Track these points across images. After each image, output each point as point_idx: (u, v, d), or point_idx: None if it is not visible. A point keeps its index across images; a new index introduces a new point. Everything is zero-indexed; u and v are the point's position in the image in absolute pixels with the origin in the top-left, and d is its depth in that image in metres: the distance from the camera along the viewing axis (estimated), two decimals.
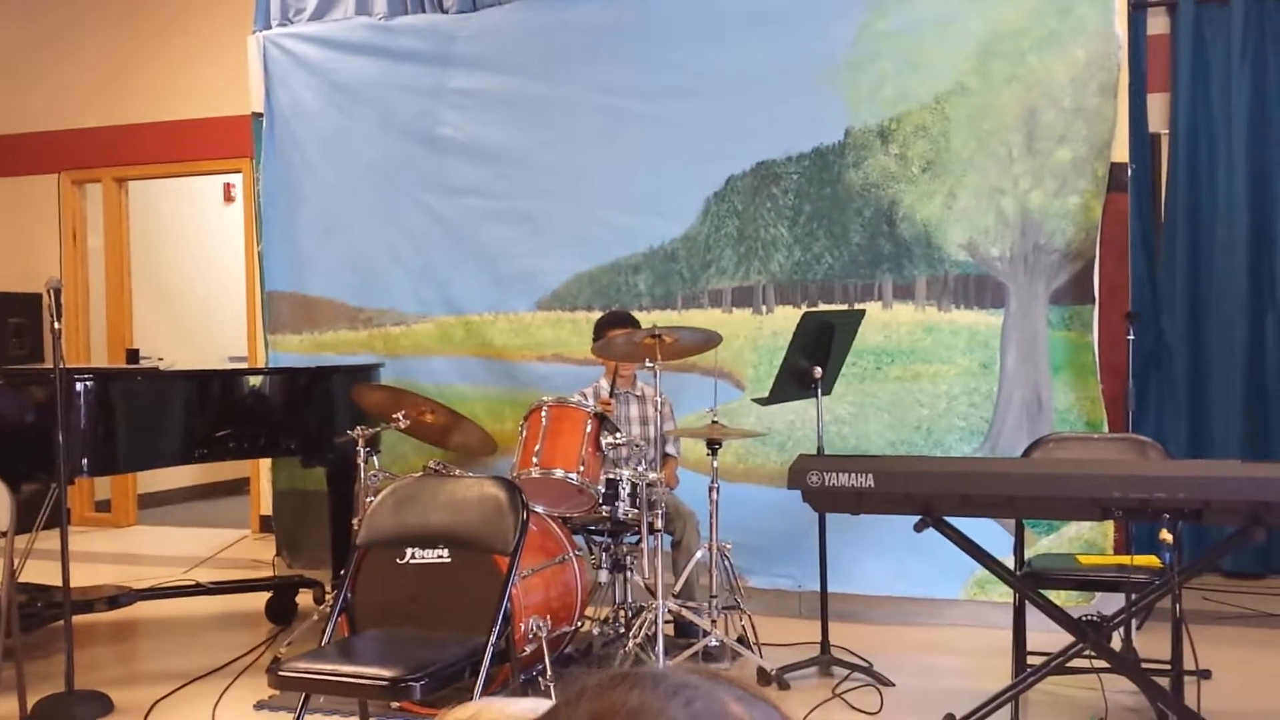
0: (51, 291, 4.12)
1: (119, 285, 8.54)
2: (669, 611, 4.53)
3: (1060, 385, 5.28)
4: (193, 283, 9.36)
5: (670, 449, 5.28)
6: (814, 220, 5.65)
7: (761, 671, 4.51)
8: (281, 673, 3.15)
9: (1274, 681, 4.54)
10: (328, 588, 5.54)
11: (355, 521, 4.71)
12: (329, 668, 3.14)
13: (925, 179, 5.46)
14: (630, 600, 4.77)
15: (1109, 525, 5.06)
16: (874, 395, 5.53)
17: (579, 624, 4.56)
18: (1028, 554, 4.35)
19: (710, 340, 4.75)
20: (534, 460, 4.58)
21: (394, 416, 4.87)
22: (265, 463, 7.44)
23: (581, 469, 4.56)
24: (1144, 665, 3.78)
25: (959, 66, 5.39)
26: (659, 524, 4.59)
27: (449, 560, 4.03)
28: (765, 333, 5.69)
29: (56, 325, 4.10)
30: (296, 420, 5.40)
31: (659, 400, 4.64)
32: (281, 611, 5.58)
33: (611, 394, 5.13)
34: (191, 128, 8.11)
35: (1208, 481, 3.27)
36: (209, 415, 5.05)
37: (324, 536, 5.58)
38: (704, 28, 5.77)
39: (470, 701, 1.08)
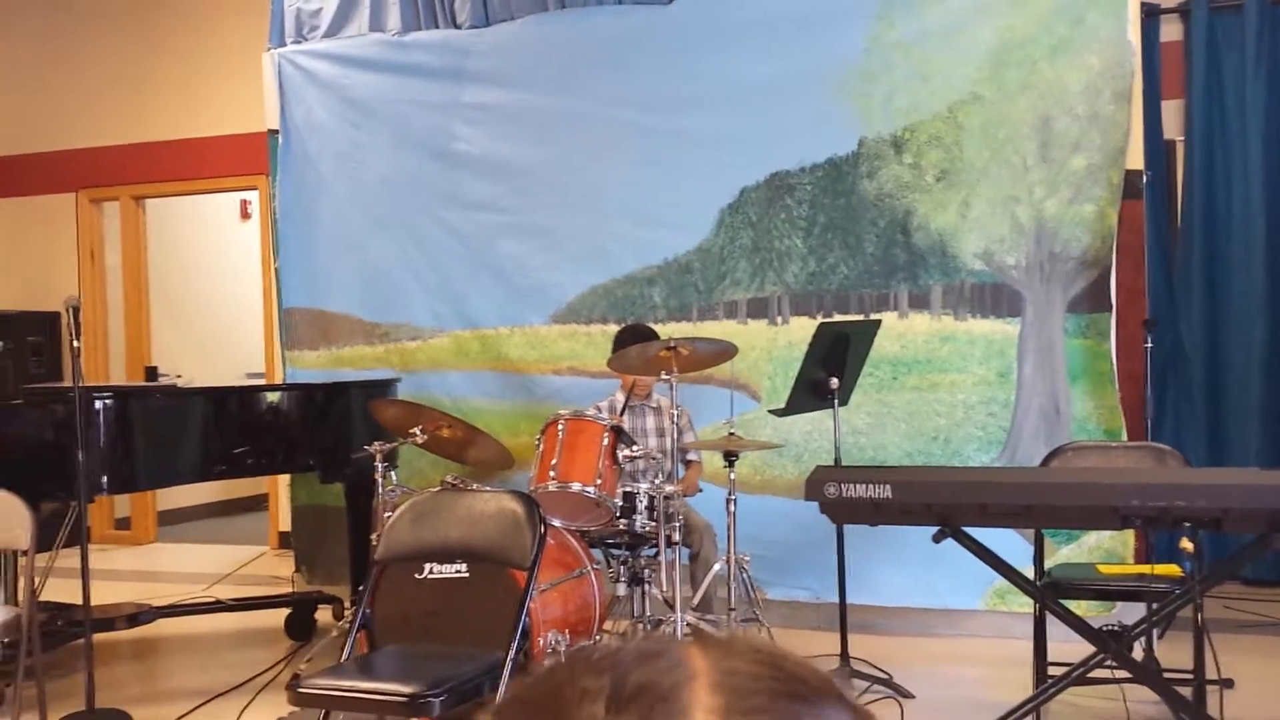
0: (70, 310, 4.15)
1: (137, 303, 8.58)
2: (687, 624, 4.52)
3: (1078, 394, 5.26)
4: (210, 300, 9.39)
5: (693, 455, 5.28)
6: (828, 231, 5.65)
7: None
8: (301, 689, 3.16)
9: None
10: (347, 603, 5.55)
11: (373, 537, 4.71)
12: (348, 684, 3.15)
13: (939, 188, 5.45)
14: (649, 613, 4.76)
15: (1129, 534, 5.03)
16: (891, 405, 5.52)
17: (597, 638, 4.56)
18: (1047, 564, 4.32)
19: (726, 352, 4.74)
20: (551, 474, 4.58)
21: (411, 431, 4.87)
22: (284, 479, 7.46)
23: (598, 482, 4.56)
24: (1166, 675, 3.76)
25: (971, 76, 5.38)
26: (677, 537, 4.58)
27: (467, 575, 4.04)
28: (781, 344, 5.68)
29: (75, 343, 4.12)
30: (314, 436, 5.42)
31: (675, 412, 4.64)
32: (301, 628, 5.59)
33: (625, 406, 5.13)
34: (208, 145, 8.15)
35: (1227, 489, 3.26)
36: (227, 432, 5.07)
37: (342, 552, 5.59)
38: (716, 40, 5.78)
39: None
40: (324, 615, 5.66)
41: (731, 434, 4.65)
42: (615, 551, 4.82)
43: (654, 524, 4.58)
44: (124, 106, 8.45)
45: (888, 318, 5.43)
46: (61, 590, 5.05)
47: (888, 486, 3.43)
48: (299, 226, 6.63)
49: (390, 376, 6.12)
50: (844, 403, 4.86)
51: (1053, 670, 3.96)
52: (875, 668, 4.67)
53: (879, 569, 5.26)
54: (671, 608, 4.49)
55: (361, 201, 6.48)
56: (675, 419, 4.68)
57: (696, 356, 4.65)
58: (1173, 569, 4.03)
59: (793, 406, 4.83)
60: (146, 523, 8.60)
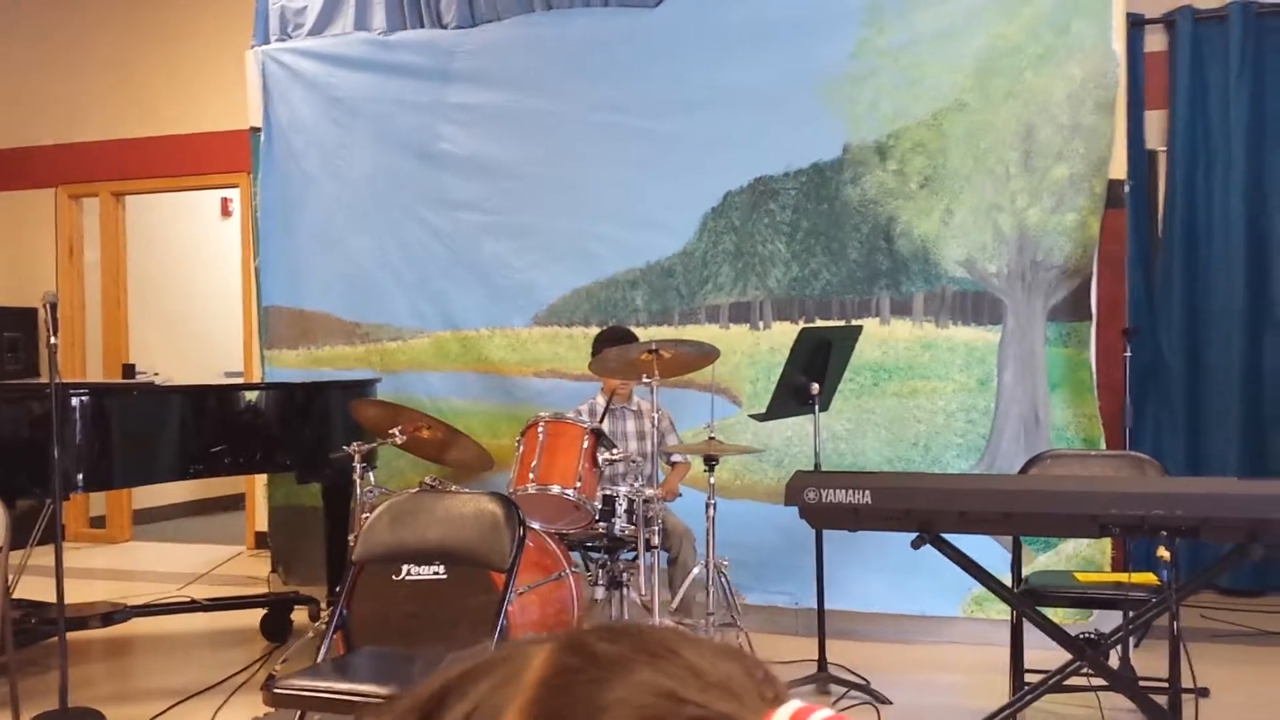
0: (48, 306, 4.12)
1: (115, 300, 8.53)
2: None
3: (1057, 402, 5.27)
4: (189, 297, 9.35)
5: (679, 457, 5.27)
6: (811, 236, 5.65)
7: None
8: (277, 690, 3.13)
9: (1272, 699, 4.53)
10: (323, 604, 5.52)
11: (351, 538, 4.69)
12: (324, 685, 3.13)
13: (923, 195, 5.46)
14: (627, 617, 4.75)
15: (1106, 542, 5.04)
16: (871, 411, 5.52)
17: None
18: (1025, 571, 4.33)
19: (707, 355, 4.74)
20: (530, 476, 4.57)
21: (390, 432, 4.85)
22: (261, 478, 7.42)
23: (578, 485, 4.55)
24: (1142, 683, 3.77)
25: (957, 83, 5.39)
26: (656, 540, 4.57)
27: (445, 577, 4.02)
28: (763, 348, 5.68)
29: (52, 340, 4.09)
30: (292, 436, 5.39)
31: (656, 415, 4.63)
32: (277, 628, 5.56)
33: (607, 410, 5.11)
34: (189, 142, 8.11)
35: (1205, 499, 3.27)
36: (205, 431, 5.03)
37: (320, 553, 5.56)
38: (702, 44, 5.78)
39: None
40: (300, 616, 5.63)
41: (712, 438, 4.65)
42: (594, 555, 4.81)
43: (633, 527, 4.57)
44: (105, 102, 8.40)
45: (869, 324, 5.44)
46: (35, 588, 5.01)
47: (867, 492, 3.43)
48: (280, 225, 6.60)
49: (370, 377, 6.10)
50: (825, 408, 4.86)
51: (1030, 677, 3.96)
52: (853, 673, 4.67)
53: (858, 574, 5.26)
54: (650, 612, 4.48)
55: (344, 201, 6.46)
56: (656, 422, 4.67)
57: (678, 360, 4.65)
58: (1149, 577, 4.05)
59: (774, 411, 4.83)
60: (122, 521, 8.54)
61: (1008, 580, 4.06)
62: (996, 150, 5.35)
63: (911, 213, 5.48)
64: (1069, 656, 3.64)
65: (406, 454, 5.33)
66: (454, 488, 4.48)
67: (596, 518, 4.63)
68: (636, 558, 4.61)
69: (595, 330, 5.56)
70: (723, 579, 4.71)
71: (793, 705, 0.60)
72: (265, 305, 6.70)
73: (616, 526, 4.61)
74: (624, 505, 4.62)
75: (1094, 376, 5.20)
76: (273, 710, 4.03)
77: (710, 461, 4.62)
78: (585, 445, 4.61)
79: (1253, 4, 6.02)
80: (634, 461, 4.75)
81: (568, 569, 4.52)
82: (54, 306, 4.13)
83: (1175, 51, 6.17)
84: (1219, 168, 6.11)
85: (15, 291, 8.39)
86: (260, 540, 7.60)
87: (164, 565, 7.44)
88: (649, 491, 4.56)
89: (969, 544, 3.66)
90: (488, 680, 0.61)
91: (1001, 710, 3.74)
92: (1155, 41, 6.24)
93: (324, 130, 6.49)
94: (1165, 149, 6.24)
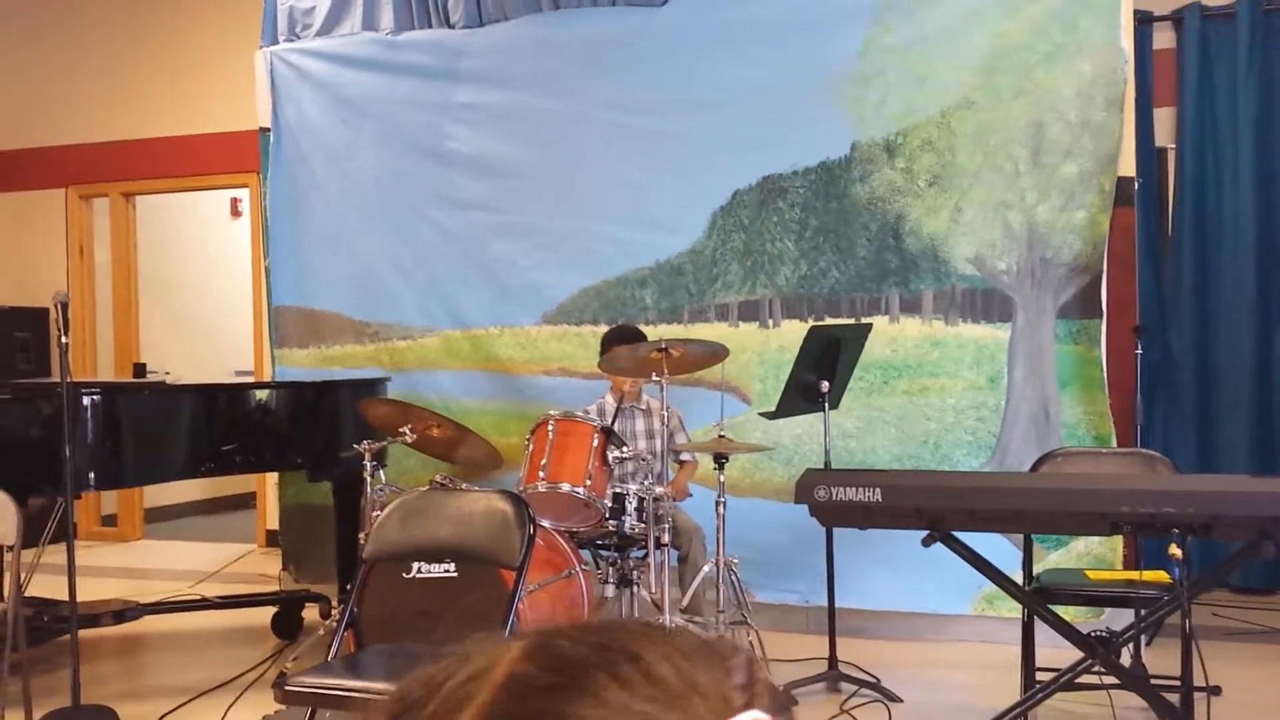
0: (59, 305, 4.13)
1: (126, 299, 8.55)
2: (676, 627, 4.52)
3: (1068, 399, 5.27)
4: (200, 297, 9.37)
5: (687, 455, 5.27)
6: (820, 234, 5.65)
7: None
8: (288, 687, 3.14)
9: None
10: (334, 602, 5.53)
11: (362, 536, 4.70)
12: (335, 682, 3.13)
13: (931, 193, 5.46)
14: (637, 615, 4.76)
15: (1118, 540, 5.03)
16: (881, 409, 5.52)
17: None
18: (1036, 569, 4.33)
19: (717, 353, 4.74)
20: (540, 474, 4.58)
21: (400, 431, 4.86)
22: (272, 477, 7.43)
23: (588, 483, 4.56)
24: (1154, 681, 3.77)
25: (965, 81, 5.39)
26: (666, 538, 4.57)
27: (455, 575, 4.02)
28: (772, 346, 5.68)
29: (64, 339, 4.10)
30: (303, 434, 5.40)
31: (665, 414, 4.63)
32: (288, 626, 5.57)
33: (618, 409, 5.11)
34: (199, 142, 8.13)
35: (1216, 496, 3.26)
36: (216, 429, 5.05)
37: (330, 551, 5.57)
38: (709, 42, 5.78)
39: None
40: (311, 614, 5.64)
41: (721, 436, 4.65)
42: (604, 553, 4.81)
43: (643, 525, 4.57)
44: (115, 103, 8.42)
45: (879, 322, 5.43)
46: (48, 586, 5.03)
47: (878, 490, 3.43)
48: (289, 224, 6.61)
49: (380, 375, 6.11)
50: (834, 406, 4.86)
51: (1041, 675, 3.96)
52: (864, 671, 4.67)
53: (868, 572, 5.26)
54: (660, 610, 4.48)
55: (353, 200, 6.47)
56: (665, 421, 4.67)
57: (687, 358, 4.65)
58: (1161, 575, 4.03)
59: (783, 409, 4.82)
60: (133, 519, 8.57)
61: (1019, 578, 4.06)
62: (1005, 147, 5.34)
63: (920, 210, 5.48)
64: (1080, 655, 3.63)
65: (416, 452, 5.34)
66: (464, 486, 4.49)
67: (606, 516, 4.63)
68: (646, 556, 4.61)
69: (604, 329, 5.55)
70: (733, 577, 4.70)
71: (749, 715, 0.61)
72: (275, 304, 6.71)
73: (626, 524, 4.62)
74: (634, 503, 4.62)
75: (1104, 374, 5.19)
76: (284, 708, 4.03)
77: (720, 459, 4.62)
78: (595, 443, 4.62)
79: (1261, 1, 6.01)
80: (643, 460, 4.76)
81: (578, 567, 4.52)
82: (65, 306, 4.14)
83: (1184, 48, 6.15)
84: (1228, 164, 6.10)
85: (26, 291, 8.42)
86: (271, 538, 7.62)
87: (175, 563, 7.46)
88: (659, 489, 4.56)
89: (979, 542, 3.65)
90: (458, 676, 0.63)
91: (1013, 708, 3.74)
92: (1164, 39, 6.22)
93: (332, 130, 6.50)
94: (1174, 146, 6.23)
